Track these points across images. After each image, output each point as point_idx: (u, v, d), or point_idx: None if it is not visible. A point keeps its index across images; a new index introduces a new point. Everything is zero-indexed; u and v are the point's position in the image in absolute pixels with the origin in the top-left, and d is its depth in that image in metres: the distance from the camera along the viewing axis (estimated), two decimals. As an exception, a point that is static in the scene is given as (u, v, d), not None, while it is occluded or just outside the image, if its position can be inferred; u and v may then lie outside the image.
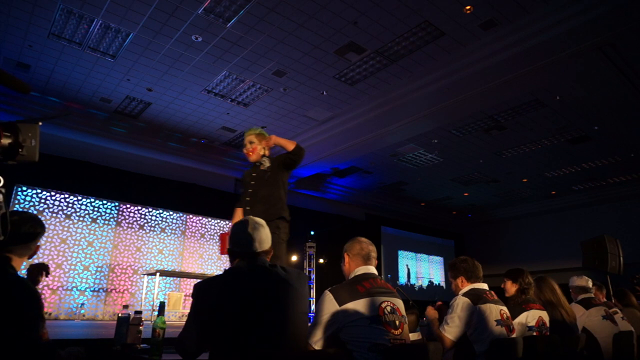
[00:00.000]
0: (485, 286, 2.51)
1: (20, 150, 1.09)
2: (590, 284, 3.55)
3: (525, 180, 11.09)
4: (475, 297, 2.36)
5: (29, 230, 1.60)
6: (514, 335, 2.41)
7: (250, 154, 3.44)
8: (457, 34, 5.82)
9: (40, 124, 1.13)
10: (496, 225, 14.28)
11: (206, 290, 1.58)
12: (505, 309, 2.46)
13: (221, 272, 1.69)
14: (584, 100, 7.18)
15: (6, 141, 1.06)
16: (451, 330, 2.31)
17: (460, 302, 2.34)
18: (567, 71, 6.15)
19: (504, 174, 10.69)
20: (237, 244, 1.71)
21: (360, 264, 2.06)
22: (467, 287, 2.49)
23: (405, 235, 14.08)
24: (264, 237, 1.74)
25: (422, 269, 14.39)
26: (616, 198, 11.43)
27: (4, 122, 1.08)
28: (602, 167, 9.97)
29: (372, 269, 2.06)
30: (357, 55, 6.27)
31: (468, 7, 5.32)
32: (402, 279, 13.46)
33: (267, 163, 3.43)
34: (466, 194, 12.30)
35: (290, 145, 3.33)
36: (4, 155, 1.07)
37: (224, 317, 1.50)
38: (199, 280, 1.69)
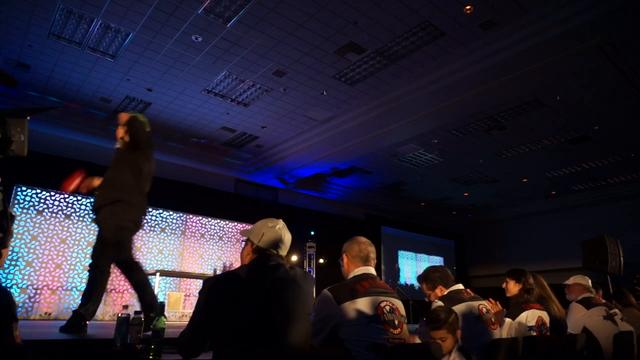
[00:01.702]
0: (460, 286, 2.58)
1: (9, 145, 1.07)
2: (590, 283, 3.56)
3: (525, 180, 11.09)
4: (449, 300, 2.42)
5: None
6: (496, 328, 2.43)
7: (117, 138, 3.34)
8: (457, 34, 5.82)
9: (28, 118, 1.11)
10: (496, 225, 14.27)
11: (218, 288, 1.57)
12: (484, 303, 2.50)
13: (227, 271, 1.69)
14: (584, 100, 7.18)
15: None
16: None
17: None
18: (567, 71, 6.15)
19: (504, 174, 10.68)
20: (267, 243, 1.71)
21: (360, 264, 2.06)
22: (445, 292, 2.56)
23: (405, 235, 14.07)
24: (289, 242, 1.77)
25: (422, 269, 14.36)
26: (616, 198, 11.43)
27: None
28: (602, 167, 9.96)
29: (371, 270, 2.07)
30: (357, 55, 6.27)
31: (468, 7, 5.32)
32: (402, 279, 13.46)
33: (117, 145, 3.35)
34: (466, 194, 12.30)
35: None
36: None
37: (232, 315, 1.49)
38: (207, 278, 1.68)
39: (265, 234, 1.71)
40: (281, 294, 1.58)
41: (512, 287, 2.94)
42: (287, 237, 1.77)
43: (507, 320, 2.73)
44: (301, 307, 1.62)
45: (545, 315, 2.82)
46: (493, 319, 2.45)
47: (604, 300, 3.82)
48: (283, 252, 1.74)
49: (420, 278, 2.76)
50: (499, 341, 2.24)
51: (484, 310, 2.42)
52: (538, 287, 3.18)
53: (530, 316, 2.73)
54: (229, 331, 1.49)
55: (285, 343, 1.50)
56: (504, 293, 3.04)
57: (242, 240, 1.82)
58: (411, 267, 13.95)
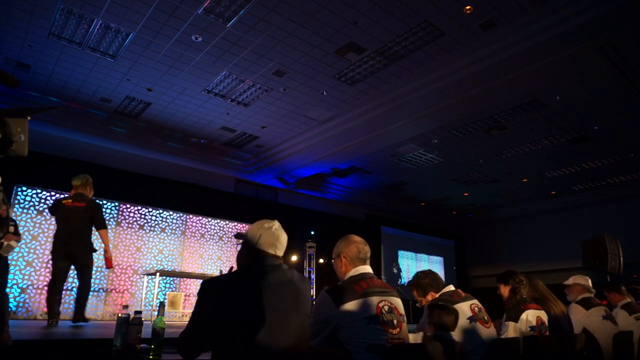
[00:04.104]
0: (451, 288, 2.59)
1: (10, 145, 1.07)
2: (590, 283, 3.56)
3: (525, 180, 11.09)
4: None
5: None
6: (489, 327, 2.44)
7: None
8: (457, 34, 5.82)
9: (28, 118, 1.11)
10: (496, 225, 14.27)
11: (215, 289, 1.57)
12: (476, 302, 2.51)
13: (225, 272, 1.70)
14: (584, 100, 7.18)
15: None
16: (420, 335, 2.39)
17: (426, 312, 2.42)
18: (567, 71, 6.15)
19: (504, 174, 10.68)
20: (265, 245, 1.71)
21: (358, 264, 2.07)
22: (436, 297, 2.56)
23: (405, 235, 14.06)
24: (285, 243, 1.77)
25: (422, 269, 14.34)
26: (616, 198, 11.42)
27: None
28: (602, 167, 9.96)
29: (369, 269, 2.07)
30: (357, 55, 6.27)
31: (468, 7, 5.32)
32: (402, 279, 13.46)
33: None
34: (466, 194, 12.30)
35: None
36: None
37: (231, 317, 1.50)
38: (205, 279, 1.69)
39: (262, 236, 1.71)
40: (279, 295, 1.58)
41: (504, 291, 2.96)
42: (284, 237, 1.77)
43: (511, 323, 2.73)
44: (299, 308, 1.62)
45: (543, 315, 2.82)
46: (486, 317, 2.46)
47: (626, 300, 3.80)
48: (280, 252, 1.74)
49: (410, 285, 2.75)
50: (500, 341, 2.24)
51: (476, 309, 2.44)
52: (531, 289, 3.17)
53: (530, 316, 2.74)
54: (227, 332, 1.49)
55: (283, 344, 1.50)
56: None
57: (238, 244, 1.83)
58: (411, 267, 13.94)
